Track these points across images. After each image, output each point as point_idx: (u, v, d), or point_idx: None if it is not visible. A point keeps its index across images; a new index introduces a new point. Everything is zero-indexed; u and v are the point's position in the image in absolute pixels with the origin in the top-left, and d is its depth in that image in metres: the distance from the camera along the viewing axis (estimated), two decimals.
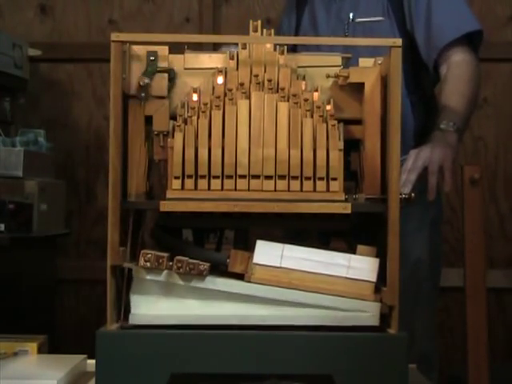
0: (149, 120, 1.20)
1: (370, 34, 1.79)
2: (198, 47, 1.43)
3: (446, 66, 1.77)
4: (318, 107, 1.16)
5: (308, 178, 1.14)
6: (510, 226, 2.87)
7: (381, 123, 1.19)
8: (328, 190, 1.14)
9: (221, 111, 1.15)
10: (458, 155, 1.65)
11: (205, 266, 1.12)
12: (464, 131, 1.73)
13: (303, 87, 1.19)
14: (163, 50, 1.20)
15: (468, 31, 1.78)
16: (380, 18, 1.84)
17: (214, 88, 1.19)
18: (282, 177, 1.14)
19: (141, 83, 1.17)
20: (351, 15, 1.86)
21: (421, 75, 1.85)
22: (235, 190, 1.14)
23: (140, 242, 1.21)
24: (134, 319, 1.13)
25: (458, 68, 1.76)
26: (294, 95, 1.17)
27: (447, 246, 2.70)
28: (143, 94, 1.18)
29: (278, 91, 1.18)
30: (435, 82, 1.87)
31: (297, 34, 1.97)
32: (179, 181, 1.14)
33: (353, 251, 1.16)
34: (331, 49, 1.44)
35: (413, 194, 1.20)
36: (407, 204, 1.19)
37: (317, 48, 1.60)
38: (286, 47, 1.22)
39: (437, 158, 1.56)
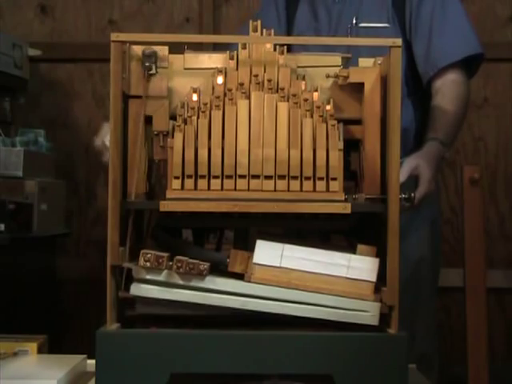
0: (149, 120, 1.20)
1: None
2: (198, 47, 1.43)
3: (441, 82, 1.77)
4: (318, 107, 1.16)
5: (308, 178, 1.14)
6: (510, 226, 2.87)
7: (380, 123, 1.19)
8: (328, 189, 1.14)
9: (221, 111, 1.15)
10: (439, 169, 1.69)
11: (205, 265, 1.12)
12: (449, 147, 1.75)
13: (303, 87, 1.19)
14: (163, 50, 1.20)
15: (469, 54, 1.79)
16: (385, 25, 1.81)
17: (213, 88, 1.19)
18: (281, 177, 1.14)
19: (146, 52, 1.17)
20: (354, 19, 1.83)
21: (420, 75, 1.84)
22: (235, 189, 1.14)
23: (140, 242, 1.21)
24: (135, 290, 1.13)
25: (451, 87, 1.77)
26: (294, 95, 1.17)
27: (447, 246, 2.70)
28: (147, 64, 1.17)
29: (277, 91, 1.18)
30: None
31: (290, 29, 1.93)
32: (179, 181, 1.14)
33: (353, 251, 1.16)
34: (332, 50, 1.43)
35: (412, 194, 1.20)
36: (408, 204, 1.19)
37: (316, 48, 1.59)
38: (285, 46, 1.21)
39: (425, 171, 1.56)
